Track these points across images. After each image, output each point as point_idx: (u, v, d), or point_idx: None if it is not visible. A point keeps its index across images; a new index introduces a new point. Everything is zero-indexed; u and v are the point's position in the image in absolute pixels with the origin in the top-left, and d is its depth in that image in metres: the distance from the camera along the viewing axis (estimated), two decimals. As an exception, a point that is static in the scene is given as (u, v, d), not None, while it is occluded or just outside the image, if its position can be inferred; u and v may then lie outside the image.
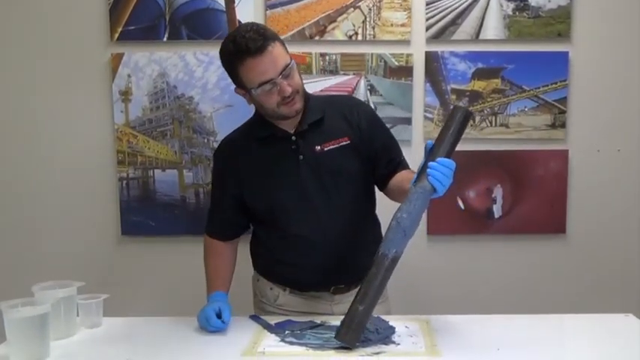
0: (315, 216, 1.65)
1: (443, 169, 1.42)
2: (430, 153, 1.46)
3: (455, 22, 2.34)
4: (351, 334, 1.40)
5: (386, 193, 1.74)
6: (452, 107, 1.53)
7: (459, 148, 2.33)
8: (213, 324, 1.54)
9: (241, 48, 1.52)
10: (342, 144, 1.67)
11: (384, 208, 1.72)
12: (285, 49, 1.59)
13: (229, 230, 1.80)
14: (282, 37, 1.69)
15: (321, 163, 1.65)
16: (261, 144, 1.68)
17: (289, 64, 1.55)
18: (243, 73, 1.56)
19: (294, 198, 1.65)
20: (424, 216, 2.37)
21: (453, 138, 1.48)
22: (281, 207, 1.67)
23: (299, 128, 1.66)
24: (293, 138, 1.66)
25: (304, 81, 1.70)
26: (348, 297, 1.70)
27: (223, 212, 1.78)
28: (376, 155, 1.70)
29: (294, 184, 1.65)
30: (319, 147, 1.65)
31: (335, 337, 1.41)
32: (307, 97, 1.69)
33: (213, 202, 1.82)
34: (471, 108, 2.30)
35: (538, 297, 2.43)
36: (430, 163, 1.43)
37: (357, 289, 1.71)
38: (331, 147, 1.66)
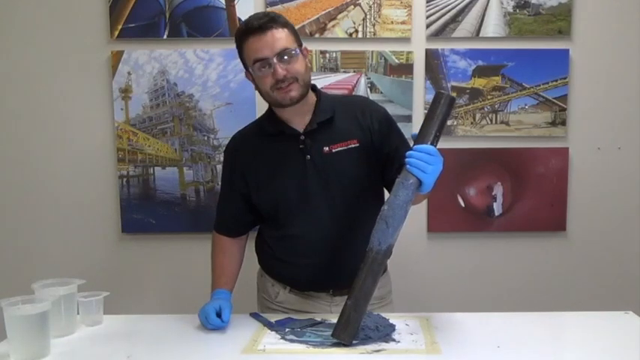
0: (317, 217, 1.64)
1: (420, 156, 1.42)
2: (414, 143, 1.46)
3: (455, 20, 2.34)
4: (345, 331, 1.40)
5: None
6: (435, 94, 1.51)
7: (459, 145, 2.36)
8: (212, 322, 1.54)
9: (245, 26, 1.57)
10: (350, 146, 1.64)
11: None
12: (296, 39, 1.59)
13: (236, 227, 1.79)
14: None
15: (328, 165, 1.63)
16: (269, 141, 1.67)
17: (289, 49, 1.55)
18: (244, 52, 1.59)
19: (298, 198, 1.64)
20: (424, 213, 2.40)
21: (436, 125, 1.46)
22: (284, 206, 1.67)
23: (308, 127, 1.64)
24: (302, 137, 1.64)
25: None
26: None
27: (231, 208, 1.77)
28: (387, 159, 1.67)
29: (298, 184, 1.64)
30: (327, 148, 1.64)
31: (331, 335, 1.42)
32: (319, 96, 1.68)
33: (222, 198, 1.81)
34: (455, 95, 2.29)
35: (538, 294, 2.43)
36: (407, 152, 1.44)
37: None
38: (339, 149, 1.64)
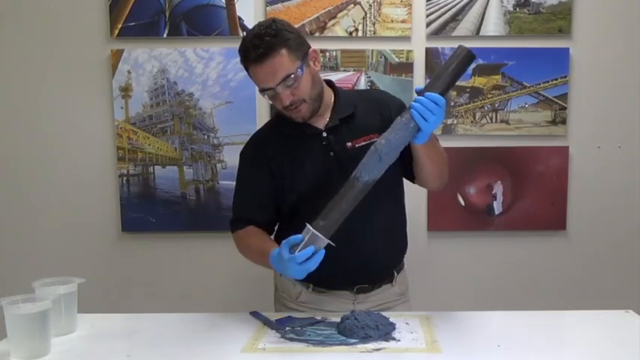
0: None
1: (427, 103, 1.40)
2: (422, 89, 1.45)
3: (455, 19, 2.34)
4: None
5: (417, 182, 1.70)
6: (457, 47, 1.50)
7: (459, 144, 2.35)
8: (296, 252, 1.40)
9: (244, 54, 1.52)
10: (373, 140, 1.60)
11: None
12: (299, 51, 1.52)
13: (263, 221, 1.69)
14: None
15: (352, 160, 1.57)
16: (290, 140, 1.65)
17: (292, 75, 1.50)
18: (250, 75, 1.57)
19: (323, 195, 1.57)
20: (424, 212, 2.40)
21: (449, 76, 1.45)
22: (308, 204, 1.61)
23: (330, 124, 1.63)
24: (324, 134, 1.63)
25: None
26: (371, 296, 1.70)
27: (258, 200, 1.68)
28: (405, 150, 1.59)
29: (323, 181, 1.61)
30: (350, 143, 1.62)
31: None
32: (337, 92, 1.67)
33: (244, 194, 1.72)
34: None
35: (538, 293, 2.43)
36: (417, 97, 1.42)
37: (380, 289, 1.71)
38: (362, 143, 1.61)
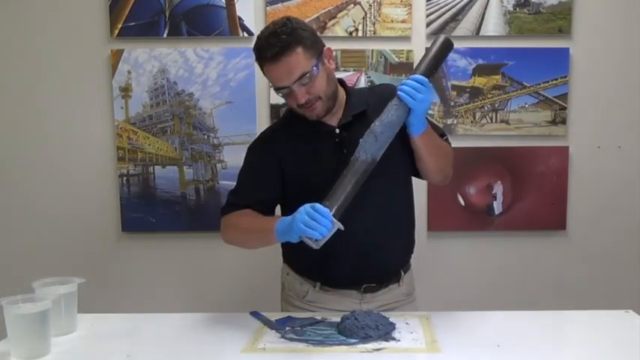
0: (353, 212, 1.54)
1: (413, 84, 1.48)
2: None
3: (455, 19, 2.34)
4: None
5: (425, 178, 1.71)
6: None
7: (459, 144, 2.35)
8: (318, 210, 1.41)
9: (259, 52, 1.52)
10: None
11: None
12: (314, 49, 1.52)
13: (263, 207, 1.68)
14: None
15: None
16: (302, 138, 1.64)
17: (307, 73, 1.50)
18: (265, 74, 1.56)
19: None
20: (424, 212, 2.39)
21: (430, 61, 1.55)
22: (320, 200, 1.55)
23: (342, 121, 1.62)
24: (337, 131, 1.62)
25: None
26: (378, 296, 1.69)
27: (261, 196, 1.66)
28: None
29: (336, 178, 1.54)
30: None
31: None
32: (348, 91, 1.68)
33: (244, 189, 1.69)
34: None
35: (538, 293, 2.43)
36: (403, 81, 1.50)
37: (387, 289, 1.70)
38: None
